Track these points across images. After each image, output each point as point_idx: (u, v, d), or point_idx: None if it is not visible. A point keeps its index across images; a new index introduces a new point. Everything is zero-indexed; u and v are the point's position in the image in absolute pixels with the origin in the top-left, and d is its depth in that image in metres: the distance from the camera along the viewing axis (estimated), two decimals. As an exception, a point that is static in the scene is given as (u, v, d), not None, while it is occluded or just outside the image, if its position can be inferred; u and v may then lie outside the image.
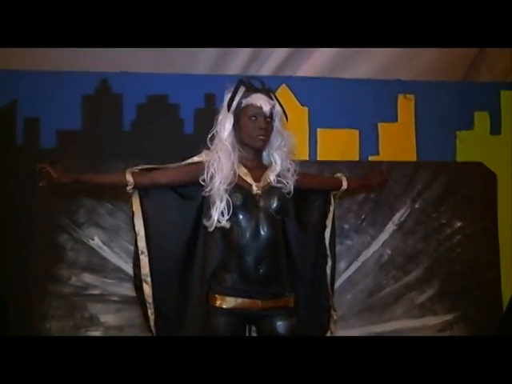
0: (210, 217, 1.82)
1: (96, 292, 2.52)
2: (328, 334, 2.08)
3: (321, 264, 2.09)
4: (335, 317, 2.09)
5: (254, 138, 1.85)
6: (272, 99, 1.88)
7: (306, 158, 2.61)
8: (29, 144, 2.55)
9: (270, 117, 1.85)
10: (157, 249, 1.94)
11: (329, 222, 2.09)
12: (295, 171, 1.92)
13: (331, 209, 2.10)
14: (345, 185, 2.10)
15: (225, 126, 1.87)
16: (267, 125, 1.84)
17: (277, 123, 1.90)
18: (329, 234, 2.10)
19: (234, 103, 1.86)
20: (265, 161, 1.95)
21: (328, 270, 2.08)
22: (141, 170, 1.93)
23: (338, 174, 2.15)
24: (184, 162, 1.93)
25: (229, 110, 1.87)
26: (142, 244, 1.92)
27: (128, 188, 1.86)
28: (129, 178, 1.86)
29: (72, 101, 2.58)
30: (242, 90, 1.87)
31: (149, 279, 1.92)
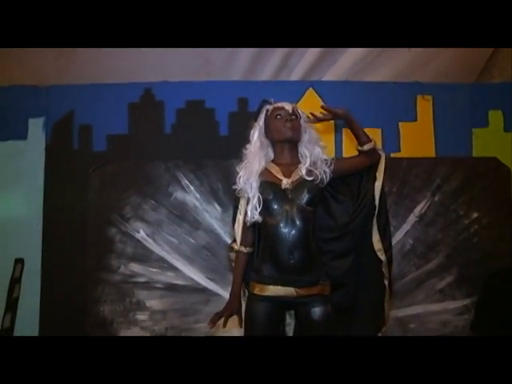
0: (245, 213, 1.96)
1: (142, 280, 2.64)
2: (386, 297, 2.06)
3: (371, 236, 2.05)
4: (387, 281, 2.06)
5: (282, 130, 1.97)
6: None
7: (333, 155, 2.60)
8: (83, 148, 2.71)
9: (294, 114, 1.99)
10: None
11: (377, 192, 2.06)
12: (328, 162, 1.99)
13: (376, 180, 2.07)
14: (382, 154, 2.07)
15: (253, 135, 2.04)
16: (291, 118, 1.97)
17: (304, 123, 2.03)
18: (378, 201, 2.05)
19: (262, 115, 2.05)
20: (301, 158, 2.02)
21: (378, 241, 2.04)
22: (237, 237, 2.04)
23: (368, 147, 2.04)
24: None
25: (256, 120, 2.05)
26: None
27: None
28: (243, 249, 2.02)
29: (120, 108, 2.73)
30: (266, 105, 2.06)
31: None
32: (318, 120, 2.06)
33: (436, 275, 2.67)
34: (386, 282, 2.06)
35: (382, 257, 2.04)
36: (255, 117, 2.06)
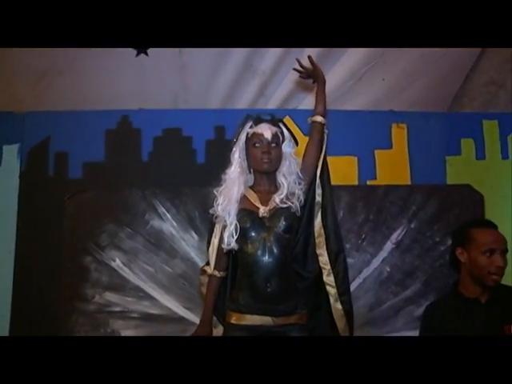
0: (221, 238, 1.95)
1: (117, 309, 2.59)
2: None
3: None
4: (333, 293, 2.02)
5: (259, 162, 1.95)
6: (279, 127, 2.00)
7: (309, 182, 2.70)
8: (59, 175, 2.68)
9: (274, 142, 1.95)
10: None
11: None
12: (301, 184, 1.98)
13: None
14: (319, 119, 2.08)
15: (234, 156, 2.01)
16: (270, 149, 1.93)
17: (285, 149, 2.00)
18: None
19: (242, 136, 2.00)
20: (279, 185, 2.00)
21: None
22: (211, 261, 2.05)
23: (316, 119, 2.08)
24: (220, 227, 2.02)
25: (236, 142, 2.01)
26: None
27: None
28: (216, 273, 2.02)
29: (96, 136, 2.71)
30: (248, 123, 2.01)
31: None
32: (300, 70, 2.14)
33: (414, 302, 2.66)
34: (333, 291, 2.00)
35: (321, 249, 2.03)
36: (237, 134, 2.02)
